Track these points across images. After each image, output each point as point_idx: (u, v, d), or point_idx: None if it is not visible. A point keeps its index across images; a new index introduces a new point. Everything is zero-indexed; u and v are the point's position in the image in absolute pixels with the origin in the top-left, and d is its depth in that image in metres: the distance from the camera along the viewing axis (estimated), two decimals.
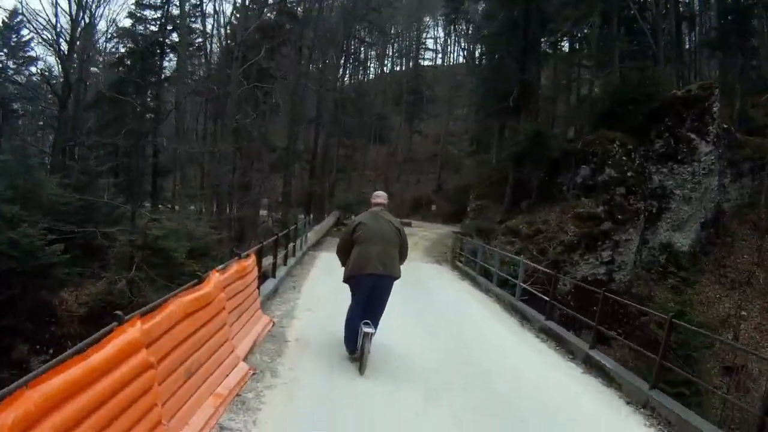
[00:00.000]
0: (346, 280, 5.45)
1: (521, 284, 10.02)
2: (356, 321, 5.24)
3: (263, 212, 29.67)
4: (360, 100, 45.12)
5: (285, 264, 10.61)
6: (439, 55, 59.36)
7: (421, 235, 23.88)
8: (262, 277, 8.33)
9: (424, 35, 54.49)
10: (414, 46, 52.32)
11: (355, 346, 5.28)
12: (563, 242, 15.92)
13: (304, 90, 30.26)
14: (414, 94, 47.60)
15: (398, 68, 54.25)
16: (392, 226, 5.40)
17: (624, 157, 17.21)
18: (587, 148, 17.53)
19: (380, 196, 5.67)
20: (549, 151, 17.35)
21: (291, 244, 12.36)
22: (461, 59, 53.04)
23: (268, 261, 10.47)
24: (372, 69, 54.01)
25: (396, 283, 5.45)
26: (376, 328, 5.24)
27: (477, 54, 42.07)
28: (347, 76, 46.77)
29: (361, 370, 5.03)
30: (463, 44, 46.67)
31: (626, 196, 16.85)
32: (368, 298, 5.29)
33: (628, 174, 17.07)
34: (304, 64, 31.83)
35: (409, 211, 37.64)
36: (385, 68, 53.26)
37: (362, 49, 46.86)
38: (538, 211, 17.69)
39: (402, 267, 5.49)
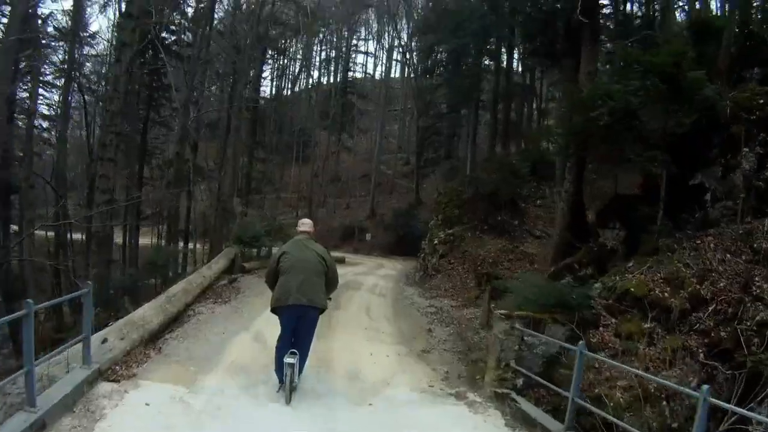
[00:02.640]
0: (272, 310, 5.49)
1: None
2: (284, 351, 5.25)
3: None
4: (281, 109, 36.94)
5: None
6: (371, 59, 51.69)
7: (368, 284, 14.23)
8: None
9: (355, 38, 46.29)
10: (344, 48, 44.02)
11: (284, 376, 5.27)
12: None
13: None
14: (343, 98, 39.48)
15: (325, 80, 45.77)
16: (315, 255, 5.40)
17: None
18: (747, 114, 8.30)
19: (305, 224, 5.78)
20: (689, 114, 7.95)
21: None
22: (394, 74, 45.96)
23: None
24: (297, 74, 45.53)
25: None
26: (305, 357, 5.43)
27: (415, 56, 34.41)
28: (266, 74, 38.12)
29: (287, 399, 5.08)
30: (401, 41, 39.11)
31: None
32: (294, 329, 5.33)
33: None
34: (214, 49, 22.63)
35: (339, 241, 29.93)
36: (311, 78, 44.87)
37: (288, 41, 38.28)
38: (663, 247, 7.84)
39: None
